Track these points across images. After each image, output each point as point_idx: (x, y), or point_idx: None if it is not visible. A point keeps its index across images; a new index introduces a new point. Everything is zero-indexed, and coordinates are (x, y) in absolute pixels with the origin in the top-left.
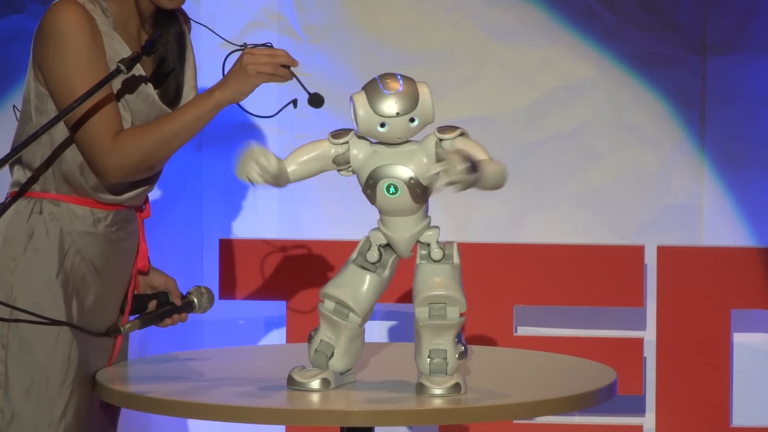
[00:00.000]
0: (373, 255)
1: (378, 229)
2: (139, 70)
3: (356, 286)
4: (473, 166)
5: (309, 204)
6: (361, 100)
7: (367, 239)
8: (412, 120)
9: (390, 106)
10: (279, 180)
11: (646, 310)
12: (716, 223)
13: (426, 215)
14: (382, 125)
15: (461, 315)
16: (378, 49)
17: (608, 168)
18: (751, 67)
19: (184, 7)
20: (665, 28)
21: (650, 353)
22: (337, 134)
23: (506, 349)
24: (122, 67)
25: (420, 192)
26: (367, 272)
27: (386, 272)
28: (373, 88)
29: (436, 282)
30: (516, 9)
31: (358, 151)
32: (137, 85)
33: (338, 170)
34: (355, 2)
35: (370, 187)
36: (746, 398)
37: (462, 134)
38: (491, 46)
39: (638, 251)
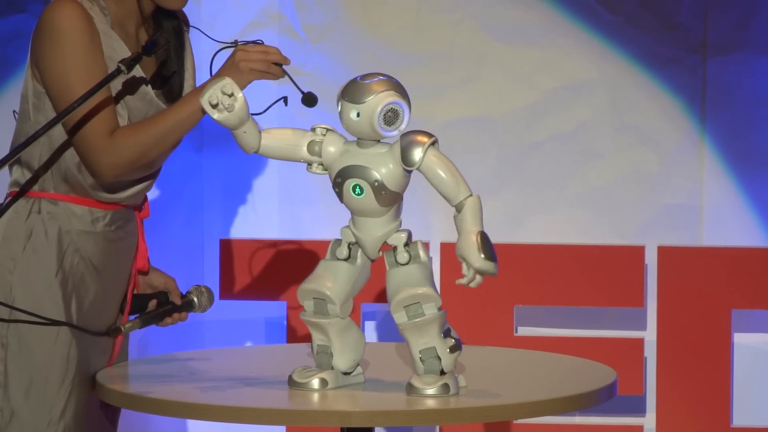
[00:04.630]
0: (342, 252)
1: (348, 227)
2: (137, 69)
3: (329, 275)
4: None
5: (309, 204)
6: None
7: (337, 239)
8: (357, 114)
9: (347, 90)
10: (238, 125)
11: (646, 310)
12: (717, 223)
13: (396, 217)
14: (340, 106)
15: (440, 310)
16: (378, 49)
17: (608, 168)
18: (752, 67)
19: (185, 7)
20: (665, 29)
21: (651, 353)
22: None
23: (506, 349)
24: (123, 68)
25: (385, 195)
26: (338, 262)
27: (359, 261)
28: (353, 79)
29: (406, 284)
30: (516, 9)
31: (332, 148)
32: (135, 84)
33: (308, 164)
34: (355, 2)
35: (337, 185)
36: (747, 398)
37: (434, 143)
38: (491, 46)
39: (639, 251)
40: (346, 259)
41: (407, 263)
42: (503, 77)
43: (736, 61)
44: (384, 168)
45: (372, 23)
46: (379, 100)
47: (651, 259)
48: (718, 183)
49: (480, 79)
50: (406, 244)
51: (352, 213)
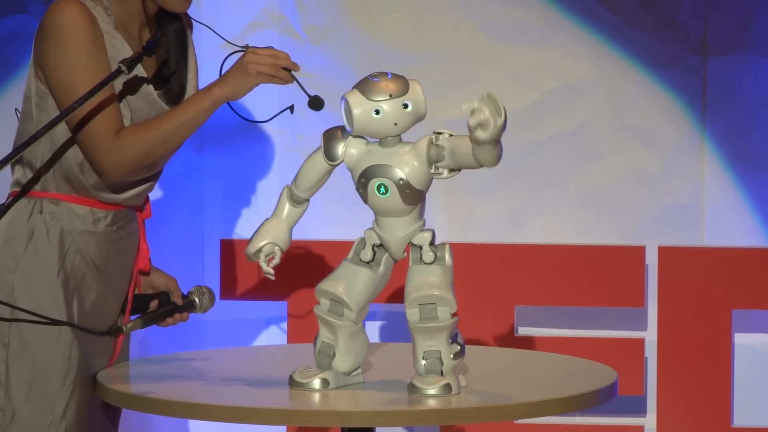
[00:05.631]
0: (366, 254)
1: (372, 228)
2: (139, 70)
3: (350, 280)
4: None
5: (310, 204)
6: (354, 94)
7: (362, 239)
8: (405, 105)
9: (382, 89)
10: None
11: (647, 310)
12: (717, 223)
13: (420, 217)
14: (377, 112)
15: (453, 315)
16: (379, 50)
17: (609, 168)
18: (752, 67)
19: None
20: (666, 29)
21: (651, 353)
22: (331, 150)
23: (507, 350)
24: (123, 68)
25: (410, 193)
26: (361, 267)
27: (381, 268)
28: (363, 82)
29: (426, 283)
30: (517, 9)
31: (354, 150)
32: (137, 84)
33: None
34: (356, 3)
35: (362, 186)
36: (747, 399)
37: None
38: (492, 46)
39: (639, 251)
40: (369, 262)
41: (432, 263)
42: (503, 77)
43: (737, 61)
44: (408, 166)
45: (372, 23)
46: (414, 87)
47: (651, 259)
48: (719, 183)
49: (480, 79)
50: (431, 243)
51: (376, 214)
